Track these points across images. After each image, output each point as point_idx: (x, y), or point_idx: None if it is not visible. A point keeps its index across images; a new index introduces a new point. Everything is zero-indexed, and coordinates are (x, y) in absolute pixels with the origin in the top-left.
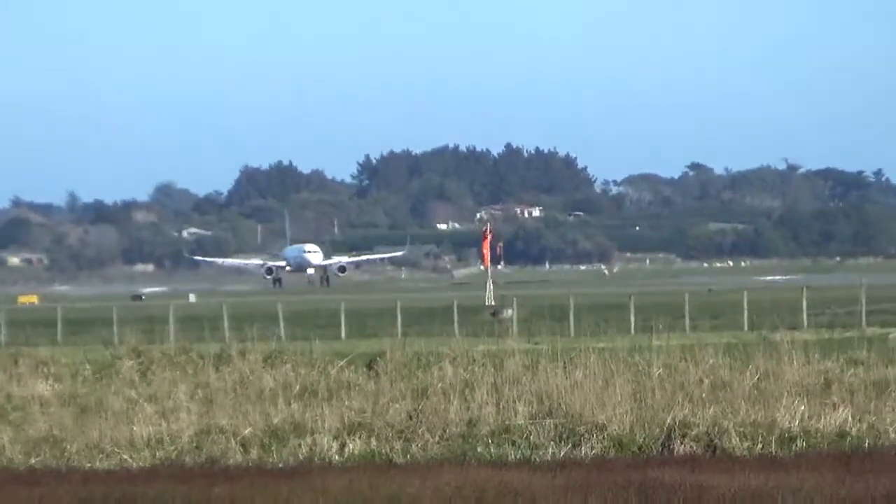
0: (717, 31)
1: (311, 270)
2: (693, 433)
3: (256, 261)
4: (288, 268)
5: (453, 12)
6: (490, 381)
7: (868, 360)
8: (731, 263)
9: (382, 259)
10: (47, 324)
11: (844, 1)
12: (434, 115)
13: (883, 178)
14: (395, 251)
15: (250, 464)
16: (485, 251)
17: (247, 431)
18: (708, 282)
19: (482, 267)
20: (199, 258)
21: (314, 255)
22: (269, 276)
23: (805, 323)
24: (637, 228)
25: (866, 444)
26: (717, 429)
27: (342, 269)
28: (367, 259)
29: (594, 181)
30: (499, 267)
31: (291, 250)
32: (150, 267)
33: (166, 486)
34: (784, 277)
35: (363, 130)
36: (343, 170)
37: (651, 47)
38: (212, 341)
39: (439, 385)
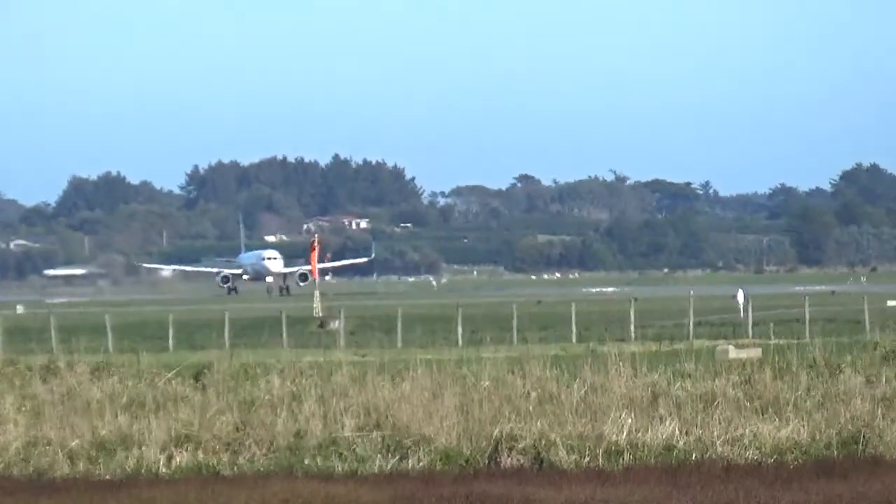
0: (542, 44)
1: (270, 279)
2: (520, 446)
3: (211, 268)
4: (245, 276)
5: (281, 21)
6: (317, 393)
7: (695, 373)
8: (558, 275)
9: (349, 266)
10: None
11: (672, 12)
12: (263, 126)
13: (710, 190)
14: (359, 259)
15: (77, 476)
16: (313, 263)
17: (74, 443)
18: (536, 293)
19: (310, 278)
20: (148, 265)
21: (274, 262)
22: (224, 285)
23: (633, 335)
24: (465, 240)
25: (693, 458)
26: (544, 442)
27: (304, 276)
28: (331, 266)
29: (422, 193)
30: (326, 278)
31: (248, 257)
32: None
33: None
34: (612, 289)
35: (192, 141)
36: (172, 181)
37: (478, 59)
38: (40, 353)
39: (267, 397)
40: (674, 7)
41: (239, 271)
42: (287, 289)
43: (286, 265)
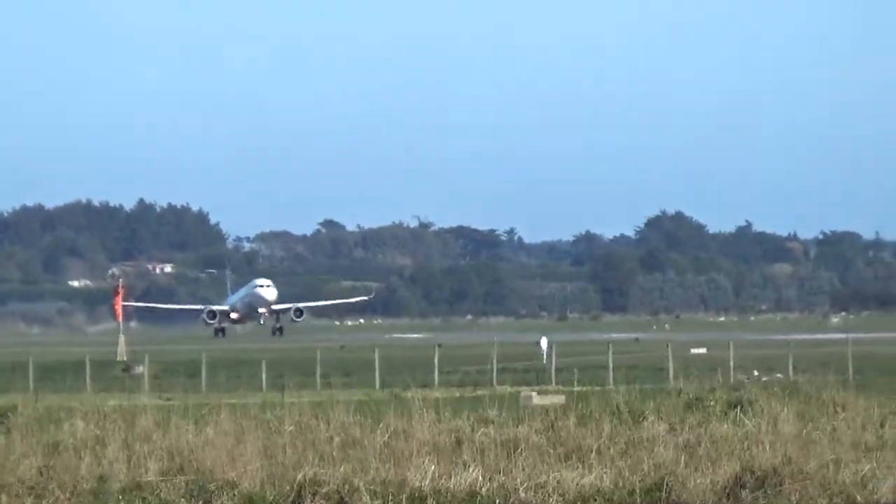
0: (343, 89)
1: (262, 309)
2: (324, 491)
3: (193, 306)
4: (235, 314)
5: (80, 62)
6: (121, 437)
7: (499, 419)
8: (362, 321)
9: (342, 305)
10: None
11: (478, 56)
12: (67, 169)
13: (515, 237)
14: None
15: None
16: (117, 307)
17: None
18: (340, 339)
19: (115, 322)
20: (134, 304)
21: (268, 289)
22: (210, 322)
23: (436, 381)
24: None
25: None
26: (347, 487)
27: (299, 312)
28: (325, 305)
29: (227, 237)
30: (131, 323)
31: (237, 294)
32: None
33: None
34: (416, 335)
35: None
36: None
37: (280, 104)
38: None
39: (71, 441)
40: (480, 51)
41: (225, 308)
42: (280, 329)
43: (89, 310)
